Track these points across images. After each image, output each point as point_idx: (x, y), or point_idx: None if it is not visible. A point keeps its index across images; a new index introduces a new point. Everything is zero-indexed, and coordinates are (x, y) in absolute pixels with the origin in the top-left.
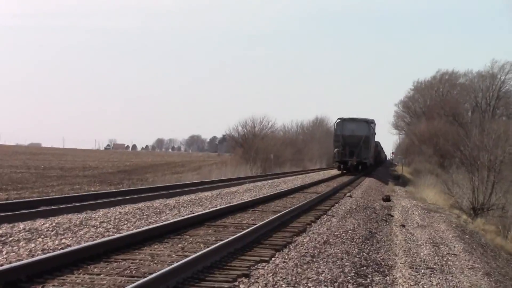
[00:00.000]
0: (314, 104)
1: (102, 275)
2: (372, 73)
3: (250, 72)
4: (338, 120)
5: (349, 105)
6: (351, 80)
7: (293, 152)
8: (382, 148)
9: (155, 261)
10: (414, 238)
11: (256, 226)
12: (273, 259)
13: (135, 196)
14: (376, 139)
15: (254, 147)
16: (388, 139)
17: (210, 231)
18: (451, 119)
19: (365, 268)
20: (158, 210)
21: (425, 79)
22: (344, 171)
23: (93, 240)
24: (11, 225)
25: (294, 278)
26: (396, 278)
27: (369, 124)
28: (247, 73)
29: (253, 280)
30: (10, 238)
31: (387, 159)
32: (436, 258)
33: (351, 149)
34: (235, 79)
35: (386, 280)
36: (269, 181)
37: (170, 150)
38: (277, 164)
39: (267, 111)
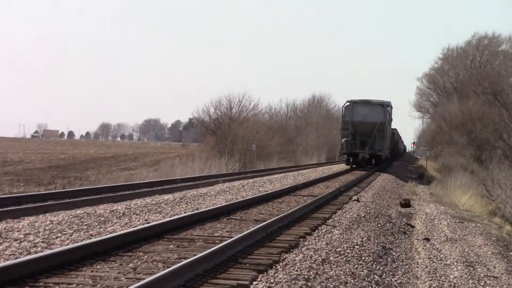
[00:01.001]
0: (310, 80)
1: None
2: (386, 38)
3: (227, 40)
4: (347, 104)
5: (357, 82)
6: (359, 49)
7: (283, 142)
8: (400, 137)
9: (98, 286)
10: (441, 255)
11: (232, 239)
12: (254, 283)
13: (72, 199)
14: (392, 126)
15: (230, 135)
16: (407, 125)
17: (171, 246)
18: (491, 98)
19: None
20: (103, 219)
21: (458, 46)
22: (354, 166)
23: (16, 258)
24: None
25: None
26: None
27: (385, 108)
28: (223, 41)
29: None
30: None
31: (407, 151)
32: (471, 281)
33: (363, 138)
34: (205, 49)
35: None
36: (251, 180)
37: (118, 138)
38: (261, 157)
39: (249, 88)
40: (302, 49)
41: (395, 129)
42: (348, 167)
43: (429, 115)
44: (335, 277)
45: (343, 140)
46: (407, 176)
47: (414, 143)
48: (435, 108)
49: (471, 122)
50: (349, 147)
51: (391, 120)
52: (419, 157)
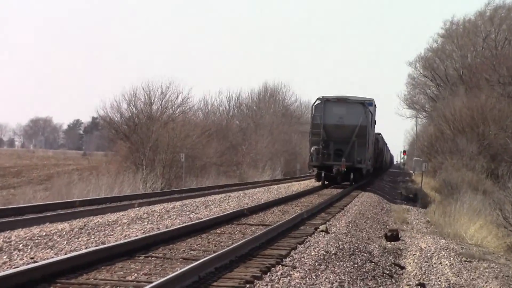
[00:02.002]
0: (261, 67)
1: None
2: (365, 9)
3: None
4: (318, 102)
5: (328, 72)
6: (326, 26)
7: (223, 150)
8: (386, 144)
9: None
10: None
11: (152, 285)
12: None
13: None
14: (376, 130)
15: (150, 140)
16: (396, 128)
17: None
18: (511, 90)
19: None
20: None
21: (465, 18)
22: (327, 182)
23: None
24: None
25: None
26: None
27: (366, 107)
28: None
29: None
30: None
31: (395, 162)
32: None
33: (338, 146)
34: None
35: None
36: (178, 203)
37: None
38: (193, 171)
39: (177, 77)
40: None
41: (380, 134)
42: (319, 184)
43: (425, 113)
44: None
45: (312, 148)
46: (395, 197)
47: (404, 152)
48: (433, 104)
49: (484, 123)
50: (320, 158)
51: (375, 123)
52: (411, 171)
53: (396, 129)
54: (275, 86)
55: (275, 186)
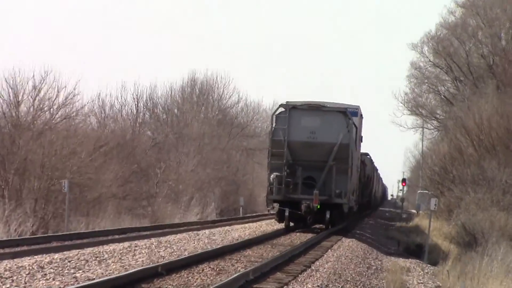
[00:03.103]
0: (186, 49)
1: None
2: None
3: None
4: (280, 110)
5: (290, 61)
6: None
7: (127, 176)
8: (376, 169)
9: None
10: None
11: None
12: None
13: None
14: (363, 149)
15: (16, 158)
16: (391, 145)
17: None
18: None
19: None
20: None
21: None
22: (292, 224)
23: None
24: None
25: None
26: None
27: (349, 117)
28: None
29: None
30: None
31: (389, 197)
32: None
33: (309, 173)
34: None
35: None
36: (58, 254)
37: None
38: (81, 206)
39: (57, 61)
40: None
41: (368, 155)
42: (279, 227)
43: (436, 122)
44: None
45: (272, 176)
46: (389, 248)
47: (404, 181)
48: (448, 109)
49: None
50: (283, 190)
51: (361, 140)
52: (414, 210)
53: (392, 147)
54: (208, 78)
55: (207, 232)
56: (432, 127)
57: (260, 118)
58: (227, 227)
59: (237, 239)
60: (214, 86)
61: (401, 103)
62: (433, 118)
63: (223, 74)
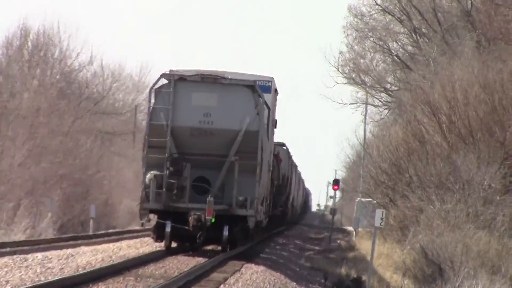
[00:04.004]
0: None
1: None
2: None
3: None
4: (162, 82)
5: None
6: None
7: None
8: (296, 167)
9: None
10: None
11: None
12: None
13: None
14: (278, 138)
15: None
16: (318, 132)
17: None
18: None
19: None
20: None
21: None
22: (175, 245)
23: None
24: None
25: None
26: None
27: (258, 93)
28: None
29: None
30: None
31: (314, 206)
32: None
33: (201, 173)
34: None
35: None
36: None
37: None
38: None
39: None
40: None
41: (283, 145)
42: (161, 246)
43: (386, 97)
44: None
45: (148, 176)
46: (311, 285)
47: (336, 184)
48: (404, 76)
49: None
50: (164, 196)
51: (275, 126)
52: (349, 228)
53: (320, 134)
54: (46, 28)
55: (39, 256)
56: (380, 103)
57: (123, 88)
58: (70, 250)
59: (84, 268)
60: (54, 39)
61: (334, 67)
62: (382, 89)
63: (68, 22)
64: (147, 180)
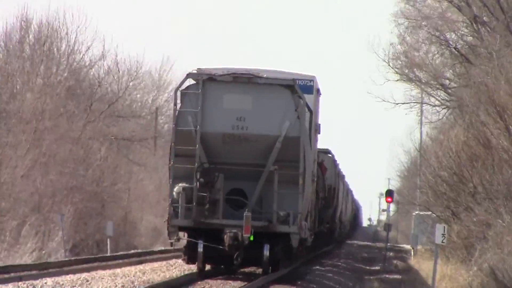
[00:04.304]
0: None
1: None
2: None
3: None
4: (189, 83)
5: None
6: None
7: None
8: (343, 176)
9: None
10: None
11: None
12: None
13: None
14: (322, 143)
15: None
16: (368, 138)
17: None
18: None
19: None
20: None
21: None
22: (209, 267)
23: None
24: None
25: None
26: None
27: (299, 94)
28: None
29: None
30: None
31: (364, 222)
32: None
33: (236, 185)
34: None
35: None
36: None
37: None
38: None
39: None
40: None
41: (328, 152)
42: (192, 269)
43: (445, 94)
44: None
45: (176, 189)
46: None
47: (389, 195)
48: (465, 70)
49: None
50: (195, 211)
51: (318, 131)
52: (406, 246)
53: (370, 139)
54: (49, 19)
55: (49, 282)
56: (437, 102)
57: (141, 87)
58: (84, 274)
59: None
60: (60, 31)
61: (384, 61)
62: (439, 86)
63: (77, 11)
64: (174, 193)
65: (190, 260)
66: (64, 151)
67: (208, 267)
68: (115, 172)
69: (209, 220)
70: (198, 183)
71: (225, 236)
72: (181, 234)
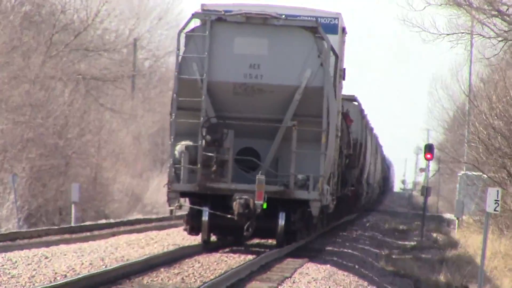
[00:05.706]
0: None
1: None
2: None
3: None
4: (195, 24)
5: None
6: None
7: None
8: (371, 129)
9: None
10: None
11: None
12: None
13: None
14: (348, 90)
15: None
16: (402, 79)
17: None
18: None
19: None
20: None
21: None
22: (215, 238)
23: None
24: None
25: None
26: None
27: (321, 38)
28: None
29: None
30: None
31: (397, 186)
32: None
33: (247, 143)
34: None
35: None
36: None
37: None
38: None
39: None
40: None
41: (354, 99)
42: (195, 239)
43: (501, 22)
44: None
45: (178, 147)
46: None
47: (429, 151)
48: None
49: None
50: (199, 173)
51: (343, 77)
52: (449, 215)
53: (405, 80)
54: None
55: None
56: (492, 33)
57: (116, 13)
58: (43, 249)
59: (65, 276)
60: None
61: None
62: (495, 12)
63: None
64: (176, 153)
65: (193, 230)
66: (19, 94)
67: (213, 237)
68: (82, 120)
69: (216, 185)
70: (203, 141)
71: (234, 203)
72: (182, 200)
